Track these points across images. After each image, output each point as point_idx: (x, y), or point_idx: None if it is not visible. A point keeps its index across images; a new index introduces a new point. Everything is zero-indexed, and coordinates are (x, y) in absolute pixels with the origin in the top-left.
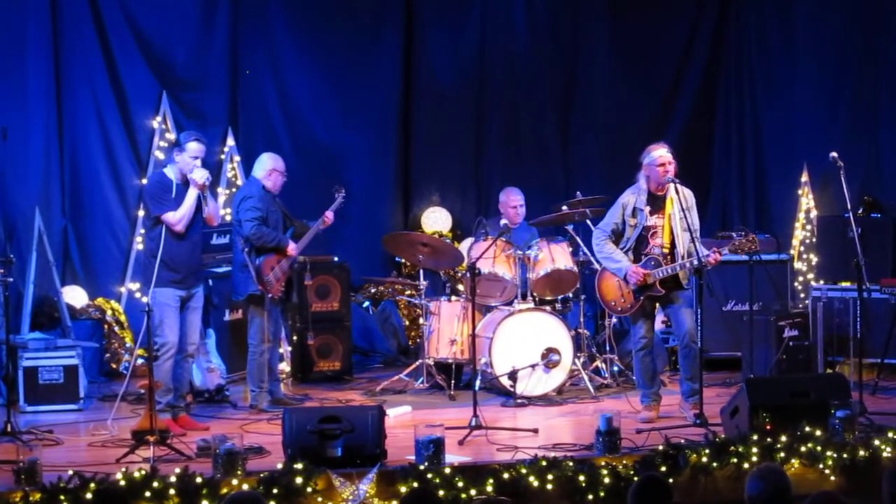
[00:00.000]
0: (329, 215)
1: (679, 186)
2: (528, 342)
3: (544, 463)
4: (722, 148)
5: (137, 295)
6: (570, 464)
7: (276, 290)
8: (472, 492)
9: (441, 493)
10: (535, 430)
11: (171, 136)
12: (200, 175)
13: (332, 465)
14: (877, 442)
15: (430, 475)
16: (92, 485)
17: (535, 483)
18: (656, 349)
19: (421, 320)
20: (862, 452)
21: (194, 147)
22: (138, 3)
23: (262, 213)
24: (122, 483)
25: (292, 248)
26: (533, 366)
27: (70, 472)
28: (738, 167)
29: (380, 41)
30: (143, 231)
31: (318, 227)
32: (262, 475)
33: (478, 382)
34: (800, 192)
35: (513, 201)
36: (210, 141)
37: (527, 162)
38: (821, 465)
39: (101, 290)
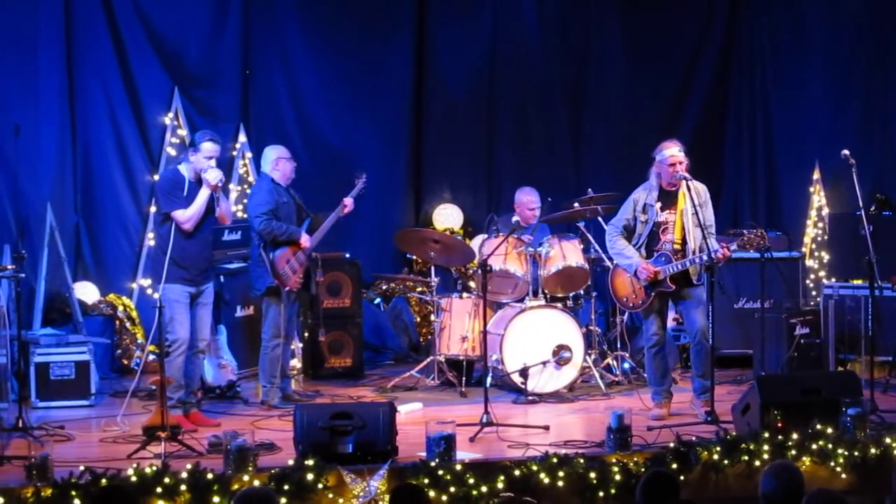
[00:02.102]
0: (349, 201)
1: (692, 182)
2: (539, 339)
3: (555, 460)
4: (733, 145)
5: (149, 291)
6: (581, 461)
7: (293, 283)
8: (483, 488)
9: (452, 489)
10: (546, 427)
11: (183, 132)
12: (214, 176)
13: (343, 461)
14: (888, 440)
15: (440, 472)
16: (103, 480)
17: (546, 480)
18: (668, 346)
19: (432, 317)
20: (873, 450)
21: (209, 147)
22: (151, 1)
23: (272, 207)
24: (134, 479)
25: (305, 239)
26: (544, 363)
27: (81, 468)
28: (749, 164)
29: (391, 39)
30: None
31: (339, 214)
32: (273, 471)
33: (489, 379)
34: (811, 189)
35: (530, 203)
36: (222, 138)
37: (538, 159)
38: (832, 463)
39: (113, 286)
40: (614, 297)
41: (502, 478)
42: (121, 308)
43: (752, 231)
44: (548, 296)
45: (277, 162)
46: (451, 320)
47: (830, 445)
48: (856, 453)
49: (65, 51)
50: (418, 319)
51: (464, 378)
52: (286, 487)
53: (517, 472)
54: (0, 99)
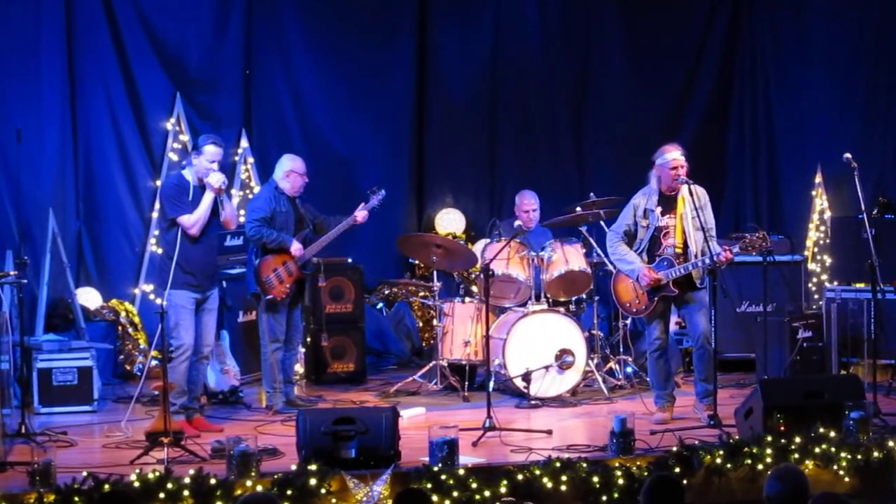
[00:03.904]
0: (361, 215)
1: (692, 186)
2: (541, 343)
3: (558, 464)
4: (735, 148)
5: (151, 297)
6: (584, 465)
7: (277, 292)
8: (486, 493)
9: (455, 494)
10: (549, 432)
11: (185, 137)
12: (216, 179)
13: (345, 466)
14: (891, 443)
15: (443, 476)
16: (106, 486)
17: (549, 484)
18: (670, 350)
19: (435, 322)
20: (876, 454)
21: (211, 150)
22: (152, 5)
23: (266, 214)
24: (136, 484)
25: (296, 249)
26: (546, 367)
27: (84, 474)
28: (751, 168)
29: (393, 44)
30: (156, 233)
31: (347, 226)
32: (276, 476)
33: (491, 384)
34: (813, 192)
35: (525, 205)
36: (224, 142)
37: (540, 163)
38: (835, 467)
39: (115, 291)
40: (617, 302)
41: (505, 482)
42: (123, 314)
43: (754, 233)
44: (550, 300)
45: (289, 174)
46: (454, 325)
47: (833, 449)
48: (859, 457)
49: (66, 55)
50: (421, 324)
51: (466, 382)
52: (289, 492)
53: (520, 477)
54: (2, 104)
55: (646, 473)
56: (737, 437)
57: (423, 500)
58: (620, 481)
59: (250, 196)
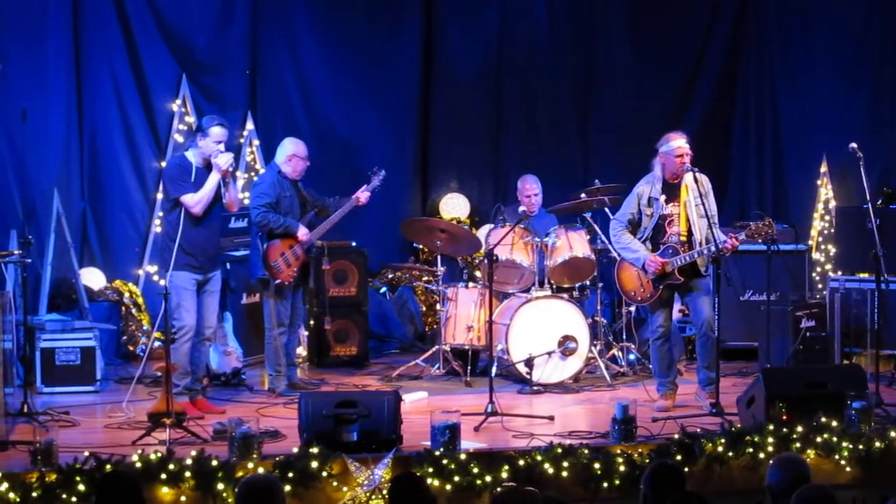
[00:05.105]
0: (363, 196)
1: (696, 174)
2: (544, 329)
3: (559, 450)
4: (741, 137)
5: (155, 278)
6: (586, 451)
7: (285, 276)
8: (488, 478)
9: (456, 478)
10: (551, 418)
11: (191, 119)
12: (225, 160)
13: (347, 449)
14: (893, 433)
15: (445, 461)
16: (108, 466)
17: (551, 470)
18: (673, 338)
19: (438, 306)
20: (878, 444)
21: (217, 131)
22: None
23: (271, 199)
24: (138, 465)
25: (303, 233)
26: (549, 353)
27: (86, 454)
28: (756, 157)
29: (399, 28)
30: (160, 214)
31: (350, 207)
32: (277, 459)
33: (494, 369)
34: (819, 182)
35: (528, 190)
36: (230, 125)
37: (545, 149)
38: (836, 456)
39: (119, 272)
40: (621, 291)
41: (506, 467)
42: (127, 294)
43: (760, 221)
44: (554, 286)
45: (291, 158)
46: (457, 310)
47: (835, 439)
48: (860, 447)
49: (72, 36)
50: (424, 309)
51: (469, 368)
52: (290, 475)
53: (521, 462)
54: (7, 84)
55: (647, 461)
56: (739, 425)
57: (418, 484)
58: (622, 468)
59: (255, 178)
